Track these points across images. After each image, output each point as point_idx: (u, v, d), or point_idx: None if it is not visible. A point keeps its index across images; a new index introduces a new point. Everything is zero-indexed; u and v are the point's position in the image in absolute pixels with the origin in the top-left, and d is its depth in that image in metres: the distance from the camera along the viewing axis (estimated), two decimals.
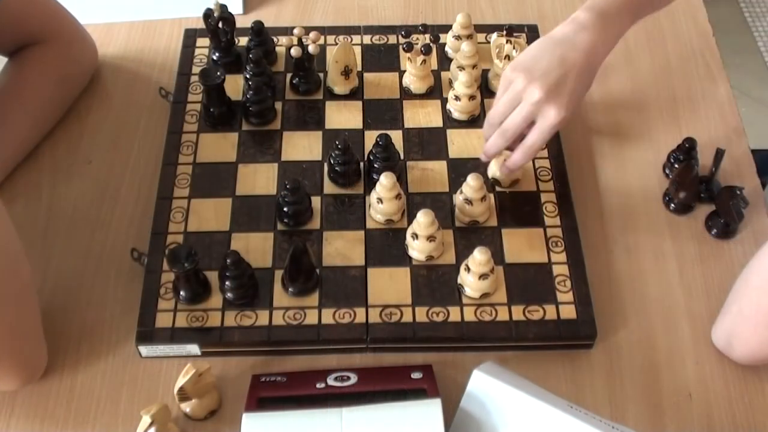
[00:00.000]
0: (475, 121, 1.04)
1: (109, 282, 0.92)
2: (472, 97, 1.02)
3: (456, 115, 1.04)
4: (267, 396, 0.80)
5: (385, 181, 0.90)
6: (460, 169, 0.98)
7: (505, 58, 1.04)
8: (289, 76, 1.08)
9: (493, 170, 0.98)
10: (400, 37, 1.10)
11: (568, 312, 0.87)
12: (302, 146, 1.01)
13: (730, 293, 0.85)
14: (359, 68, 1.09)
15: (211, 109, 1.02)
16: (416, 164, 1.00)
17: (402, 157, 0.99)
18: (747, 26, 2.49)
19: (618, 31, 0.92)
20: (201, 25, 1.08)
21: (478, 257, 0.85)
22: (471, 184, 0.91)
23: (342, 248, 0.92)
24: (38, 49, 1.03)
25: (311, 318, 0.87)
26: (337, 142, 0.95)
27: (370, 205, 0.94)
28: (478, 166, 0.98)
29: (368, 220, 0.94)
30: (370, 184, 0.96)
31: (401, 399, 0.77)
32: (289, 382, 0.82)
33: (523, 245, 0.92)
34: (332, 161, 0.96)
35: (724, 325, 0.85)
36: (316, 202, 0.95)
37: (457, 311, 0.87)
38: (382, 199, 0.91)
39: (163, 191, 0.96)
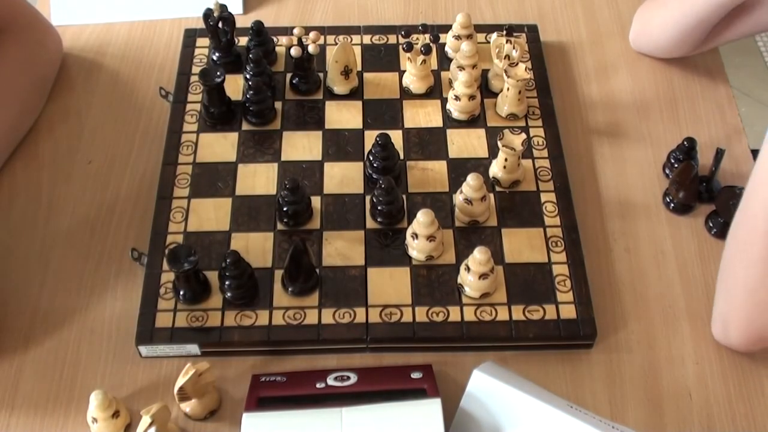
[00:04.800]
0: (475, 121, 1.04)
1: (109, 282, 0.92)
2: (472, 97, 1.02)
3: (456, 115, 1.04)
4: (267, 396, 0.80)
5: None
6: (460, 169, 0.98)
7: (504, 58, 1.04)
8: (289, 76, 1.08)
9: (494, 170, 0.98)
10: (400, 37, 1.10)
11: (568, 312, 0.87)
12: (302, 146, 1.01)
13: (717, 280, 0.86)
14: (359, 68, 1.09)
15: (211, 109, 1.02)
16: (416, 164, 1.00)
17: (402, 156, 0.99)
18: None
19: None
20: (201, 25, 1.08)
21: (478, 257, 0.85)
22: (471, 183, 0.91)
23: (342, 248, 0.92)
24: (1, 39, 1.02)
25: (311, 318, 0.87)
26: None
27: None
28: (478, 166, 0.98)
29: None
30: (371, 186, 0.96)
31: (401, 399, 0.77)
32: (289, 382, 0.82)
33: (523, 245, 0.92)
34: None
35: (717, 311, 0.86)
36: (316, 202, 0.95)
37: (457, 311, 0.87)
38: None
39: (163, 191, 0.97)
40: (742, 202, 0.82)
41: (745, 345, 0.85)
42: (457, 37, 1.09)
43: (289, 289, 0.88)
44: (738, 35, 1.06)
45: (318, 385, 0.80)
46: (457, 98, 1.03)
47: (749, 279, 0.80)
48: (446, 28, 1.11)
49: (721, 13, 1.00)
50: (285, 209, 0.93)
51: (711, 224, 0.96)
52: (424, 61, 1.04)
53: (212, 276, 0.89)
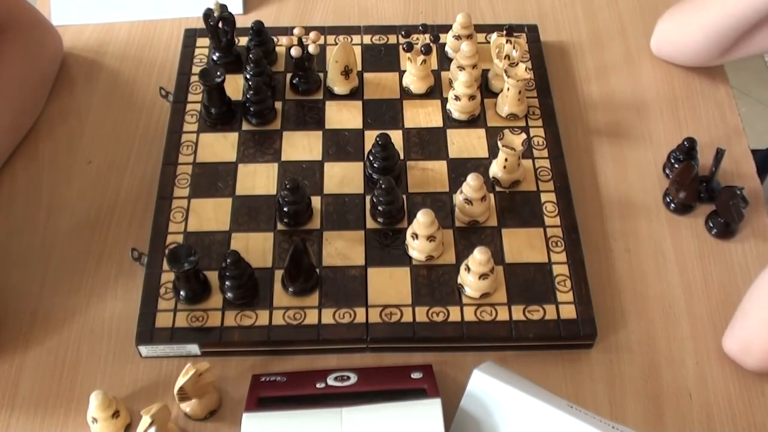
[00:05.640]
0: (475, 121, 1.04)
1: (109, 282, 0.92)
2: (472, 97, 1.02)
3: (456, 115, 1.04)
4: (267, 396, 0.80)
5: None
6: (460, 169, 0.98)
7: (505, 58, 1.04)
8: (289, 76, 1.08)
9: (494, 170, 0.98)
10: (400, 37, 1.10)
11: (568, 312, 0.87)
12: (302, 146, 1.01)
13: (746, 299, 0.85)
14: (359, 68, 1.09)
15: (211, 109, 1.02)
16: (416, 164, 1.00)
17: (402, 156, 0.99)
18: None
19: None
20: (201, 25, 1.08)
21: (478, 257, 0.85)
22: (471, 184, 0.91)
23: (342, 248, 0.92)
24: (2, 39, 1.03)
25: (311, 318, 0.87)
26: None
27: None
28: (478, 166, 0.98)
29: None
30: (371, 186, 0.96)
31: (401, 399, 0.77)
32: (289, 382, 0.82)
33: (523, 245, 0.92)
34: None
35: (742, 333, 0.84)
36: (316, 202, 0.95)
37: (457, 311, 0.87)
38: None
39: (163, 191, 0.97)
40: None
41: (759, 371, 0.85)
42: (457, 37, 1.09)
43: (289, 289, 0.88)
44: (761, 50, 1.05)
45: (318, 385, 0.80)
46: (457, 98, 1.03)
47: None
48: (446, 28, 1.11)
49: (758, 17, 0.99)
50: (285, 209, 0.93)
51: (711, 224, 0.96)
52: (424, 61, 1.04)
53: (212, 276, 0.89)
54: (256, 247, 0.92)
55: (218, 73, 1.00)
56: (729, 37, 1.03)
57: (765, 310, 0.82)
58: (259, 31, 1.09)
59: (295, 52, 1.02)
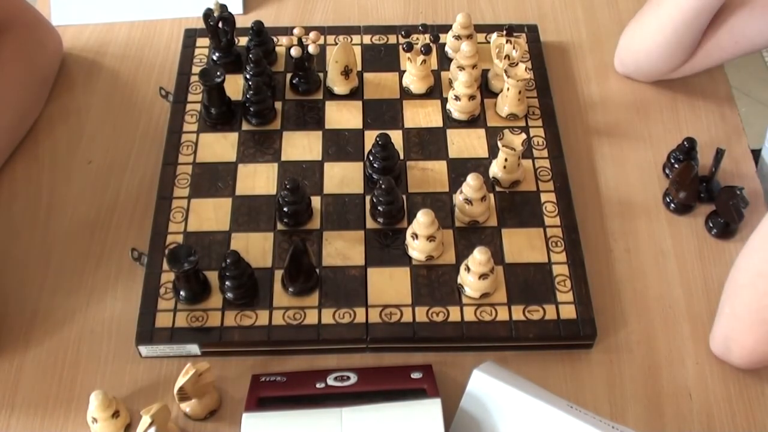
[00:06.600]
0: (475, 121, 1.04)
1: (109, 282, 0.92)
2: (472, 97, 1.02)
3: (456, 115, 1.04)
4: (267, 396, 0.80)
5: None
6: (460, 169, 0.98)
7: (504, 58, 1.04)
8: (289, 76, 1.08)
9: (494, 170, 0.98)
10: (400, 37, 1.10)
11: (568, 312, 0.87)
12: (302, 146, 1.01)
13: (722, 295, 0.85)
14: (359, 68, 1.09)
15: (211, 109, 1.02)
16: (416, 164, 1.00)
17: (402, 156, 0.99)
18: None
19: None
20: (201, 25, 1.08)
21: (478, 257, 0.85)
22: (471, 184, 0.91)
23: (342, 248, 0.92)
24: (2, 39, 1.03)
25: (311, 318, 0.87)
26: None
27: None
28: (478, 166, 0.98)
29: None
30: (371, 186, 0.96)
31: (401, 399, 0.77)
32: (289, 382, 0.82)
33: (523, 245, 0.92)
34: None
35: (720, 330, 0.85)
36: (316, 202, 0.95)
37: (457, 311, 0.87)
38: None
39: (163, 191, 0.97)
40: (760, 232, 0.80)
41: (746, 366, 0.85)
42: (457, 37, 1.09)
43: (289, 289, 0.88)
44: (728, 55, 1.03)
45: (318, 385, 0.80)
46: (457, 98, 1.03)
47: (761, 309, 0.79)
48: (446, 28, 1.11)
49: (712, 10, 0.97)
50: (285, 209, 0.93)
51: (711, 224, 0.96)
52: (424, 61, 1.04)
53: (212, 276, 0.89)
54: (256, 247, 0.92)
55: (218, 73, 1.00)
56: (687, 35, 1.00)
57: (737, 306, 0.82)
58: (259, 31, 1.09)
59: (295, 52, 1.02)
